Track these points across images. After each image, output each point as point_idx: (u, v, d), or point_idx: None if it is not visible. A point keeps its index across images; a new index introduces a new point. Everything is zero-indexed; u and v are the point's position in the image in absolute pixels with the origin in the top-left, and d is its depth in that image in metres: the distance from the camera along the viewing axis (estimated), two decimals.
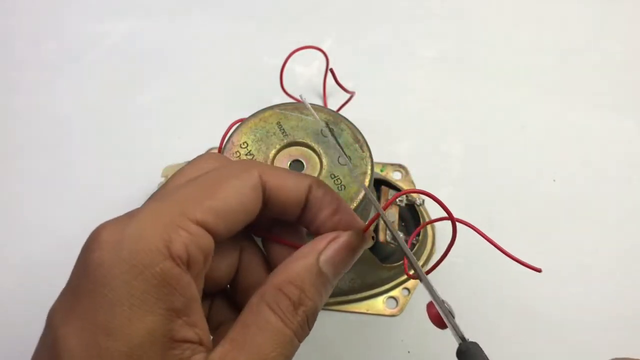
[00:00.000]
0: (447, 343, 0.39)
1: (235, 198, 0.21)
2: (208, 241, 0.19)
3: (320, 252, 0.22)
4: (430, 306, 0.22)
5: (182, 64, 0.54)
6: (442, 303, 0.21)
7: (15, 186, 0.46)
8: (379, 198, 0.38)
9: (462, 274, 0.41)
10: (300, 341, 0.21)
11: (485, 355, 0.20)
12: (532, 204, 0.44)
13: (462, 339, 0.21)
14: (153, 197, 0.22)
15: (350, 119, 0.32)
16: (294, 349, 0.21)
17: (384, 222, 0.23)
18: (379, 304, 0.40)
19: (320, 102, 0.49)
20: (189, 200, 0.20)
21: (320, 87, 0.49)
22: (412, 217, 0.41)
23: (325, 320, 0.39)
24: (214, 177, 0.21)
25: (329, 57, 0.46)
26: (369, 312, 0.39)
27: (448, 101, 0.50)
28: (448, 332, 0.41)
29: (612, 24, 0.55)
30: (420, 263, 0.41)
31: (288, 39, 0.49)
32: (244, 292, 0.24)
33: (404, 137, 0.48)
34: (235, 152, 0.31)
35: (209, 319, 0.25)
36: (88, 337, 0.17)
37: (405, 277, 0.40)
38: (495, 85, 0.51)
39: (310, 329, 0.22)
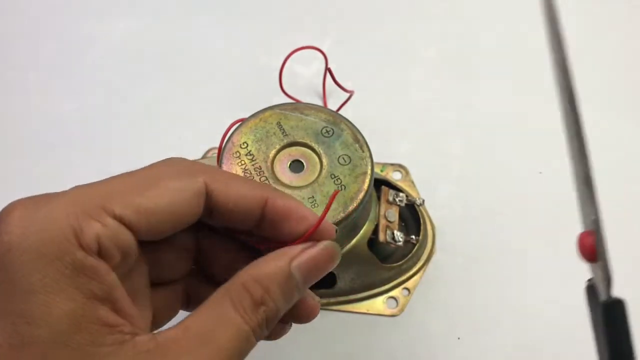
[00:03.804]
0: (448, 343, 0.39)
1: (167, 200, 0.20)
2: (126, 237, 0.19)
3: (295, 256, 0.22)
4: (584, 236, 0.20)
5: (182, 64, 0.54)
6: (600, 233, 0.20)
7: (14, 186, 0.46)
8: (379, 198, 0.38)
9: (462, 273, 0.41)
10: (257, 340, 0.21)
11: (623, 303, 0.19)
12: (533, 203, 0.44)
13: (607, 281, 0.19)
14: (87, 184, 0.21)
15: (350, 118, 0.32)
16: (249, 347, 0.21)
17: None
18: (379, 304, 0.40)
19: (320, 103, 0.49)
20: (114, 192, 0.19)
21: (321, 87, 0.49)
22: (412, 217, 0.41)
23: (326, 320, 0.39)
24: (151, 173, 0.21)
25: (330, 57, 0.46)
26: (369, 312, 0.39)
27: (448, 101, 0.50)
28: (447, 332, 0.41)
29: (612, 24, 0.55)
30: (421, 263, 0.41)
31: (288, 39, 0.49)
32: (220, 274, 0.24)
33: (404, 137, 0.48)
34: (235, 152, 0.31)
35: (190, 300, 0.25)
36: (7, 326, 0.17)
37: (405, 277, 0.40)
38: (495, 85, 0.51)
39: (268, 330, 0.21)
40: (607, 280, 0.20)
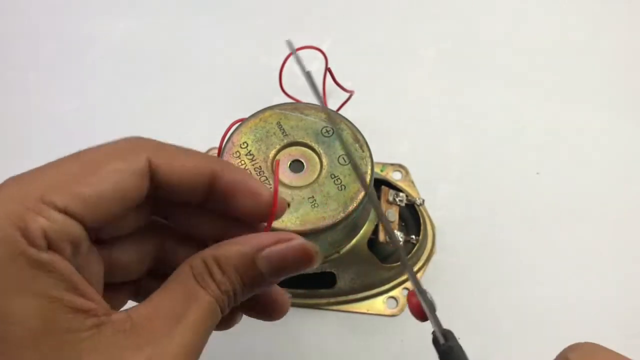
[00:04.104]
0: None
1: (110, 185, 0.19)
2: (74, 229, 0.18)
3: (265, 246, 0.21)
4: (411, 295, 0.21)
5: (182, 63, 0.54)
6: (424, 293, 0.20)
7: None
8: (379, 198, 0.38)
9: (462, 273, 0.41)
10: (222, 314, 0.21)
11: (461, 347, 0.20)
12: (532, 203, 0.44)
13: (441, 332, 0.20)
14: (21, 175, 0.20)
15: (350, 118, 0.32)
16: (217, 319, 0.21)
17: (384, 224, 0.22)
18: (379, 304, 0.40)
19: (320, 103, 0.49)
20: (54, 182, 0.18)
21: (320, 87, 0.49)
22: (412, 217, 0.41)
23: (326, 321, 0.39)
24: (91, 156, 0.20)
25: (329, 57, 0.46)
26: (369, 312, 0.39)
27: (448, 101, 0.50)
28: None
29: (612, 24, 0.55)
30: (421, 263, 0.41)
31: (288, 39, 0.49)
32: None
33: (404, 137, 0.48)
34: (235, 152, 0.31)
35: (139, 292, 0.25)
36: None
37: (405, 277, 0.40)
38: (495, 85, 0.51)
39: (229, 308, 0.21)
40: (444, 335, 0.20)
